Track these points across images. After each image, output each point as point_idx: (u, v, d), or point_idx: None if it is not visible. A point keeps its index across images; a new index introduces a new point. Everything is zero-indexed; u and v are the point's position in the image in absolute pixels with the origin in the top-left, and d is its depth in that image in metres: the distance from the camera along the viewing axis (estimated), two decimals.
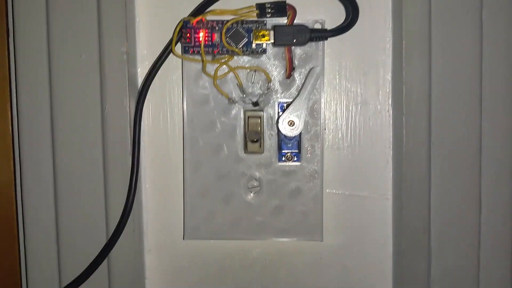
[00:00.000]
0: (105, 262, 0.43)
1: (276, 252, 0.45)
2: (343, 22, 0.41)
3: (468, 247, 0.43)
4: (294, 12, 0.41)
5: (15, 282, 0.45)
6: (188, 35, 0.41)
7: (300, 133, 0.43)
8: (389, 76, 0.44)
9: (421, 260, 0.43)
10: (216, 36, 0.41)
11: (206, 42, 0.41)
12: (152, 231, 0.45)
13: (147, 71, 0.43)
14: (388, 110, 0.44)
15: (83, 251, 0.43)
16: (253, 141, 0.43)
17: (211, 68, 0.42)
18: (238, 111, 0.43)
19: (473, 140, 0.42)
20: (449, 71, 0.41)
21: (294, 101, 0.42)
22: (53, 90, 0.42)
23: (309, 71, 0.42)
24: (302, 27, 0.40)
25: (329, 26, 0.42)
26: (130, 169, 0.42)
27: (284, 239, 0.44)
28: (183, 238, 0.44)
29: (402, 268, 0.44)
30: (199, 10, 0.41)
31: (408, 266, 0.43)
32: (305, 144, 0.43)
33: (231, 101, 0.43)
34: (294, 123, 0.42)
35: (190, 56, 0.42)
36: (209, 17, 0.41)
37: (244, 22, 0.41)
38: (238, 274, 0.46)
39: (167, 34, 0.43)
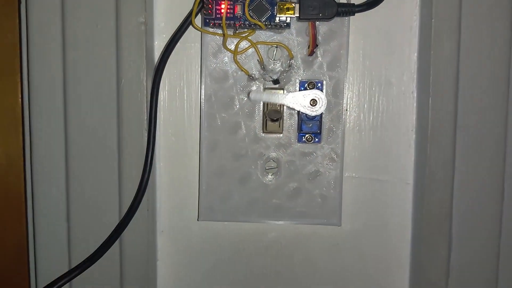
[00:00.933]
0: (117, 242, 0.41)
1: (292, 236, 0.44)
2: None
3: (489, 235, 0.42)
4: None
5: (22, 261, 0.44)
6: (210, 6, 0.39)
7: (321, 113, 0.41)
8: (414, 57, 0.42)
9: (441, 247, 0.42)
10: (238, 8, 0.39)
11: (228, 15, 0.39)
12: (166, 212, 0.44)
13: (164, 44, 0.42)
14: (412, 92, 0.43)
15: (95, 230, 0.42)
16: (272, 120, 0.42)
17: (230, 42, 0.41)
18: (258, 88, 0.42)
19: (499, 125, 0.41)
20: (478, 53, 0.40)
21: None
22: (67, 61, 0.40)
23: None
24: (329, 1, 0.39)
25: (355, 1, 0.40)
26: (145, 146, 0.40)
27: (301, 223, 0.43)
28: (198, 219, 0.43)
29: (420, 255, 0.43)
30: None
31: (427, 253, 0.42)
32: (326, 124, 0.42)
33: (251, 78, 0.41)
34: (316, 102, 0.40)
35: (211, 30, 0.40)
36: None
37: None
38: (253, 257, 0.45)
39: (186, 5, 0.41)
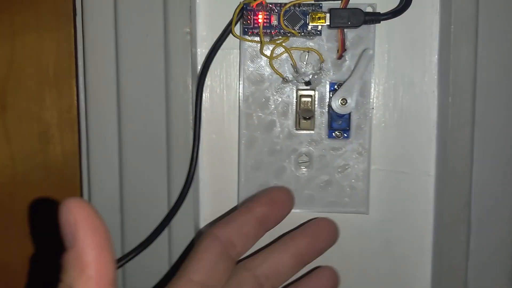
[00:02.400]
0: (166, 230, 0.45)
1: None
2: (397, 6, 0.43)
3: (506, 221, 0.45)
4: None
5: None
6: (248, 17, 0.43)
7: (350, 112, 0.45)
8: (435, 59, 0.46)
9: (461, 234, 0.46)
10: (274, 18, 0.43)
11: (265, 24, 0.43)
12: (208, 203, 0.48)
13: (206, 51, 0.46)
14: (433, 91, 0.46)
15: (146, 220, 0.46)
16: (305, 119, 0.46)
17: (266, 48, 0.45)
18: (291, 90, 0.46)
19: None
20: (494, 55, 0.44)
21: (347, 81, 0.44)
22: (120, 67, 0.44)
23: (361, 53, 0.44)
24: (357, 10, 0.43)
25: (380, 10, 0.44)
26: (191, 143, 0.44)
27: (332, 212, 0.47)
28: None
29: (442, 240, 0.46)
30: None
31: (448, 239, 0.46)
32: (354, 122, 0.46)
33: (285, 80, 0.46)
34: (346, 101, 0.44)
35: (249, 37, 0.44)
36: (268, 0, 0.43)
37: (301, 5, 0.43)
38: None
39: (225, 16, 0.45)
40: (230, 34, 0.45)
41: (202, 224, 0.49)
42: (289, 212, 0.42)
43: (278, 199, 0.42)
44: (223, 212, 0.48)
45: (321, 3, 0.43)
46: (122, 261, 0.45)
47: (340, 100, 0.44)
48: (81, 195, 0.48)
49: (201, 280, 0.37)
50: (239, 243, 0.40)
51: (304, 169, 0.47)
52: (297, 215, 0.48)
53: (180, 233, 0.46)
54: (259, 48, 0.45)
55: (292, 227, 0.48)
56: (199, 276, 0.37)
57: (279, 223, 0.42)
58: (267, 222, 0.41)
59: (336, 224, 0.44)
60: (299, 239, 0.42)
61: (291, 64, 0.45)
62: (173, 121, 0.45)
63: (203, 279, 0.37)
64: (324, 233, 0.43)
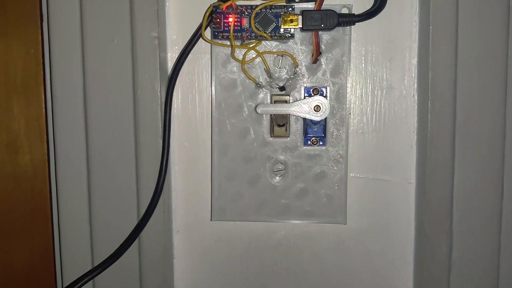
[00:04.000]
0: (136, 241, 0.44)
1: (300, 234, 0.47)
2: (371, 7, 0.42)
3: (489, 231, 0.44)
4: None
5: (48, 260, 0.47)
6: (218, 20, 0.41)
7: (326, 118, 0.44)
8: (415, 61, 0.44)
9: (443, 243, 0.44)
10: (245, 21, 0.42)
11: (236, 27, 0.42)
12: (181, 213, 0.47)
13: (176, 55, 0.44)
14: (413, 95, 0.44)
15: (115, 231, 0.44)
16: (279, 125, 0.44)
17: (239, 52, 0.43)
18: (265, 96, 0.44)
19: (497, 126, 0.42)
20: (475, 57, 0.42)
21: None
22: (86, 73, 0.43)
23: None
24: (330, 12, 0.41)
25: (356, 11, 0.42)
26: (161, 152, 0.43)
27: (308, 222, 0.45)
28: (211, 220, 0.46)
29: (424, 251, 0.44)
30: None
31: (429, 249, 0.44)
32: (330, 128, 0.44)
33: (259, 86, 0.44)
34: (320, 107, 0.42)
35: (220, 41, 0.43)
36: (238, 2, 0.42)
37: (273, 7, 0.41)
38: (264, 255, 0.47)
39: (196, 19, 0.44)
40: (201, 38, 0.43)
41: (175, 235, 0.47)
42: None
43: None
44: (196, 223, 0.47)
45: (294, 5, 0.41)
46: (92, 274, 0.44)
47: (313, 107, 0.42)
48: (51, 205, 0.47)
49: None
50: None
51: (279, 178, 0.45)
52: (273, 226, 0.46)
53: (150, 245, 0.45)
54: (230, 52, 0.43)
55: (270, 238, 0.46)
56: None
57: None
58: None
59: None
60: None
61: (264, 69, 0.44)
62: (142, 129, 0.43)
63: None
64: None
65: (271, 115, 0.44)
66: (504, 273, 0.44)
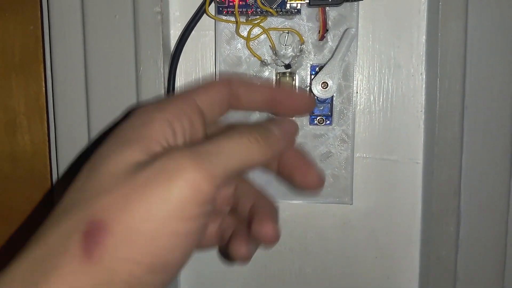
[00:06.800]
0: None
1: (305, 214, 0.46)
2: None
3: (497, 212, 0.43)
4: None
5: None
6: None
7: (332, 96, 0.43)
8: (423, 39, 0.43)
9: (450, 223, 0.43)
10: None
11: (241, 3, 0.41)
12: None
13: (179, 32, 0.43)
14: (421, 74, 0.44)
15: None
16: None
17: (243, 29, 0.42)
18: (270, 73, 0.43)
19: (507, 104, 0.42)
20: (485, 35, 0.41)
21: (328, 63, 0.41)
22: (87, 50, 0.42)
23: (343, 33, 0.41)
24: None
25: None
26: None
27: (314, 202, 0.45)
28: None
29: (430, 231, 0.44)
30: None
31: (436, 229, 0.44)
32: (337, 107, 0.43)
33: (264, 63, 0.43)
34: (327, 85, 0.42)
35: (224, 17, 0.42)
36: None
37: None
38: None
39: None
40: (205, 14, 0.42)
41: None
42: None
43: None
44: None
45: None
46: None
47: (321, 83, 0.42)
48: (51, 187, 0.46)
49: (202, 107, 0.34)
50: (244, 101, 0.37)
51: None
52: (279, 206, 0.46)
53: None
54: (235, 29, 0.42)
55: None
56: (201, 103, 0.34)
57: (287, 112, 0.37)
58: (278, 104, 0.37)
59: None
60: None
61: (270, 46, 0.43)
62: None
63: (204, 108, 0.34)
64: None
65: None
66: (511, 251, 0.43)
